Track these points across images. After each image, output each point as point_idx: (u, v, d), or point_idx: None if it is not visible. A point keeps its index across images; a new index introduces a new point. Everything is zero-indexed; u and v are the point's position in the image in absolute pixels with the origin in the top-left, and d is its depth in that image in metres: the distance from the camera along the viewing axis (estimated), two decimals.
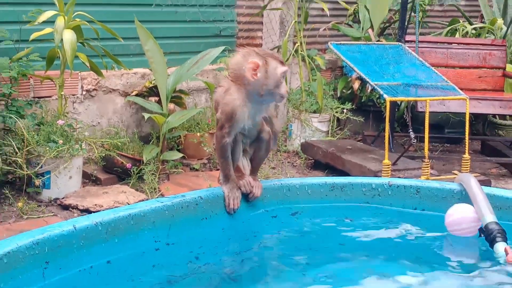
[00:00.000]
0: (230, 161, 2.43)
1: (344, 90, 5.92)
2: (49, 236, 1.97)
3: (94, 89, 4.67)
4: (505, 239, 2.22)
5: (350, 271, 2.23)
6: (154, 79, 4.62)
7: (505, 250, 2.15)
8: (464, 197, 2.55)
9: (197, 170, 4.78)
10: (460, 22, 6.41)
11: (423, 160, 4.35)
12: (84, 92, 4.63)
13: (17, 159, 3.87)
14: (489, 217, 2.32)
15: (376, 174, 4.39)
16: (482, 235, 2.29)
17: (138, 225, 2.22)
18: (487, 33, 6.28)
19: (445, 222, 2.41)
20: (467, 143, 4.45)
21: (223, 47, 4.69)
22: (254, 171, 2.57)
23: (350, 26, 6.18)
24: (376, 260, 2.34)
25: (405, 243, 2.46)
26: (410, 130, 4.55)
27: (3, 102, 4.08)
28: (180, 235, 2.31)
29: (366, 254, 2.37)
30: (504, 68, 5.72)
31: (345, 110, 5.50)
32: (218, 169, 4.79)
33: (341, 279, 2.15)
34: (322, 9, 5.55)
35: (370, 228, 2.58)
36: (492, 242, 2.23)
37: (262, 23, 5.77)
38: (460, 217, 2.40)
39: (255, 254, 2.35)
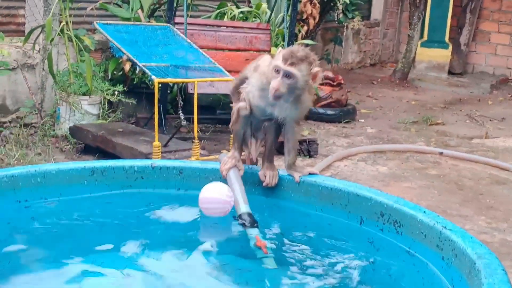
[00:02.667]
0: (238, 134, 2.48)
1: (115, 72, 5.73)
2: None
3: None
4: (257, 227, 2.29)
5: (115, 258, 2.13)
6: None
7: (256, 237, 2.21)
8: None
9: None
10: (228, 5, 6.54)
11: (193, 141, 4.36)
12: None
13: None
14: (243, 207, 2.35)
15: (147, 156, 4.31)
16: (239, 220, 2.33)
17: None
18: (254, 17, 6.48)
19: (199, 198, 2.40)
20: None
21: None
22: (267, 159, 2.51)
23: (120, 6, 6.00)
24: (145, 240, 2.25)
25: (163, 226, 2.41)
26: (180, 111, 4.53)
27: None
28: None
29: (120, 239, 2.27)
30: (269, 51, 5.95)
31: (116, 93, 5.33)
32: None
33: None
34: None
35: (129, 212, 2.48)
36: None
37: (24, 0, 5.36)
38: (211, 197, 2.40)
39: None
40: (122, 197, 2.59)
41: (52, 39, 5.06)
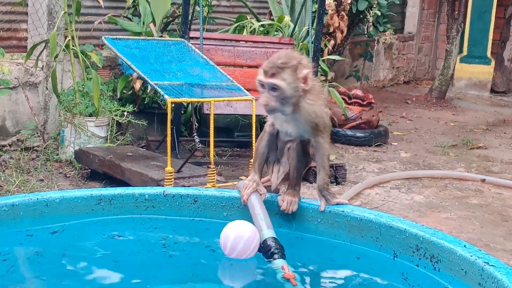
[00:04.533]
0: (260, 153, 2.51)
1: (124, 91, 5.80)
2: None
3: None
4: (283, 256, 2.27)
5: None
6: None
7: (282, 268, 2.21)
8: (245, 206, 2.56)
9: None
10: (247, 18, 6.60)
11: (209, 166, 4.39)
12: None
13: None
14: (266, 233, 2.35)
15: (159, 183, 4.34)
16: (260, 252, 2.32)
17: None
18: (276, 31, 6.54)
19: (221, 245, 2.35)
20: (254, 147, 4.56)
21: None
22: (289, 185, 2.53)
23: (130, 19, 6.09)
24: (154, 278, 2.26)
25: (180, 258, 2.42)
26: (195, 134, 4.56)
27: None
28: None
29: (138, 272, 2.28)
30: None
31: (125, 113, 5.39)
32: None
33: None
34: (97, 0, 5.38)
35: (143, 243, 2.50)
36: (270, 258, 2.27)
37: (27, 13, 5.46)
38: (236, 241, 2.32)
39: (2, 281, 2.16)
40: (132, 228, 2.61)
41: (57, 56, 5.14)
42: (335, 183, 5.18)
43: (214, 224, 2.59)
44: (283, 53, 2.34)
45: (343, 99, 6.58)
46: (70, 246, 2.47)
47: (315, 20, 5.92)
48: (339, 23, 6.78)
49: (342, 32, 6.86)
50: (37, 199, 2.46)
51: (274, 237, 2.33)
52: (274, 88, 2.27)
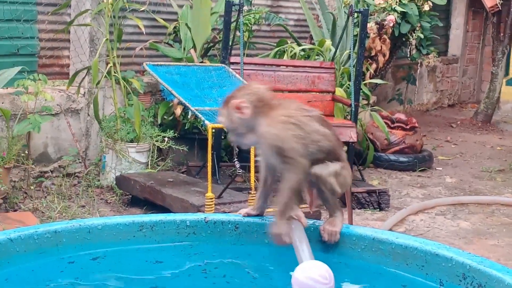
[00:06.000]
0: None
1: (165, 117, 5.87)
2: None
3: None
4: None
5: None
6: None
7: None
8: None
9: None
10: (288, 43, 6.64)
11: (250, 192, 4.40)
12: None
13: None
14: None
15: (199, 209, 4.36)
16: None
17: None
18: (317, 55, 6.56)
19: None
20: None
21: (18, 68, 4.47)
22: (329, 213, 2.60)
23: (171, 45, 6.17)
24: None
25: (220, 283, 2.43)
26: (235, 159, 4.58)
27: None
28: None
29: None
30: (333, 92, 5.99)
31: (166, 139, 5.45)
32: (16, 210, 4.56)
33: None
34: (139, 27, 5.48)
35: (184, 268, 2.52)
36: None
37: (69, 40, 5.58)
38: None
39: None
40: (172, 254, 2.62)
41: (99, 82, 5.23)
42: (378, 209, 5.14)
43: (255, 250, 2.60)
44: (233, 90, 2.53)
45: (386, 123, 6.56)
46: (111, 272, 2.50)
47: (357, 44, 5.93)
48: (381, 46, 6.77)
49: (384, 55, 6.85)
50: (80, 225, 2.50)
51: None
52: (225, 126, 2.49)
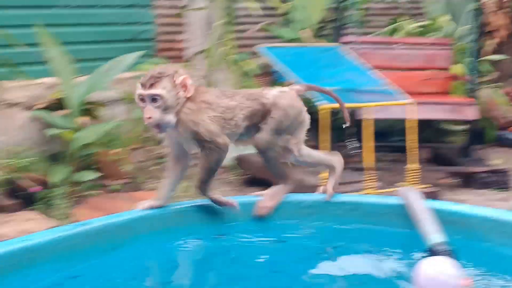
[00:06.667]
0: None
1: None
2: None
3: None
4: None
5: None
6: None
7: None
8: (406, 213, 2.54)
9: (117, 191, 4.67)
10: (402, 20, 6.52)
11: (366, 172, 4.38)
12: None
13: None
14: (435, 237, 2.30)
15: (315, 189, 4.38)
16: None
17: (36, 258, 2.12)
18: (432, 31, 6.41)
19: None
20: (413, 152, 4.51)
21: (139, 52, 4.62)
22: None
23: (283, 26, 6.20)
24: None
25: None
26: (351, 139, 4.57)
27: None
28: (87, 266, 2.23)
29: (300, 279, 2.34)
30: (449, 69, 5.84)
31: None
32: (140, 190, 4.74)
33: None
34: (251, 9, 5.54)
35: (306, 248, 2.55)
36: None
37: (184, 24, 5.71)
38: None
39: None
40: (294, 234, 2.66)
41: (214, 65, 5.33)
42: (499, 189, 4.99)
43: (375, 232, 2.60)
44: (157, 67, 2.31)
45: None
46: (234, 250, 2.56)
47: (475, 19, 5.74)
48: (501, 20, 6.53)
49: (505, 29, 6.60)
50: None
51: (443, 242, 2.28)
52: (155, 98, 2.21)
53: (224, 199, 2.48)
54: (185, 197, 4.58)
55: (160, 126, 2.27)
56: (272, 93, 2.42)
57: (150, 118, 2.22)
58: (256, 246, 2.61)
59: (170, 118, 2.26)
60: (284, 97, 2.43)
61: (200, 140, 2.31)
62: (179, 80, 2.24)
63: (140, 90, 2.22)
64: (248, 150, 5.14)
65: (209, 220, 2.58)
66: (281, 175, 2.57)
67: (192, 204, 2.58)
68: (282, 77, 5.32)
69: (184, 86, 2.26)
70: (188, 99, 2.29)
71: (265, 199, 2.58)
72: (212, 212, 2.56)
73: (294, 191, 4.42)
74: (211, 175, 2.42)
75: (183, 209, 2.55)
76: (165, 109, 2.24)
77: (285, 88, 2.45)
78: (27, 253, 2.13)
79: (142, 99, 2.22)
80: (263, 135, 2.42)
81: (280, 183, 2.59)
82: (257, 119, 2.40)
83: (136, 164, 4.96)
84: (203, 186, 2.44)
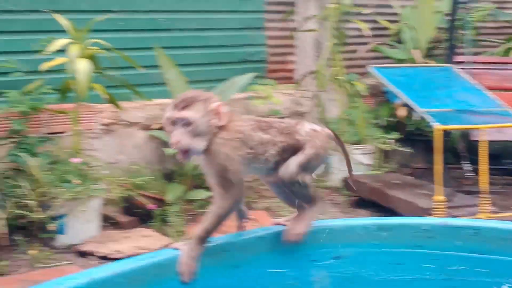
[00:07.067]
0: None
1: (388, 118, 5.88)
2: None
3: (112, 123, 4.71)
4: None
5: None
6: None
7: None
8: None
9: None
10: None
11: (481, 195, 4.28)
12: (101, 127, 4.67)
13: (29, 201, 3.90)
14: None
15: (427, 212, 4.32)
16: None
17: (164, 274, 2.20)
18: None
19: None
20: None
21: (252, 74, 4.71)
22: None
23: (393, 47, 6.17)
24: None
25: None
26: (465, 161, 4.48)
27: (13, 139, 4.13)
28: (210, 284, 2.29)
29: None
30: None
31: (390, 141, 5.46)
32: (250, 209, 4.81)
33: None
34: (361, 29, 5.55)
35: (425, 274, 2.52)
36: None
37: (295, 46, 5.79)
38: None
39: None
40: (409, 257, 2.64)
41: (324, 85, 5.37)
42: None
43: (495, 260, 2.54)
44: (190, 91, 2.18)
45: None
46: (351, 271, 2.57)
47: None
48: None
49: None
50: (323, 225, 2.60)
51: None
52: (186, 122, 2.08)
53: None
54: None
55: (187, 152, 2.12)
56: (305, 130, 2.29)
57: (178, 142, 2.07)
58: (372, 267, 2.61)
59: (200, 144, 2.11)
60: (319, 137, 2.29)
61: (223, 177, 2.18)
62: (212, 106, 2.10)
63: (171, 112, 2.08)
64: (356, 171, 5.13)
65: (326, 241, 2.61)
66: (308, 200, 2.39)
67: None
68: (394, 97, 5.30)
69: (217, 113, 2.12)
70: (221, 127, 2.14)
71: (294, 225, 2.42)
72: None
73: (406, 214, 4.39)
74: (219, 225, 2.22)
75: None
76: (196, 134, 2.10)
77: (317, 127, 2.30)
78: (154, 269, 2.21)
79: (172, 122, 2.09)
80: (290, 169, 2.26)
81: (307, 207, 2.40)
82: (287, 154, 2.26)
83: (246, 183, 5.04)
84: (206, 236, 2.23)
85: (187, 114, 2.08)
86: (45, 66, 4.04)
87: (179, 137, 2.08)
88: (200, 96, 2.10)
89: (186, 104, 2.09)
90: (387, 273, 2.58)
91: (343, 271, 2.56)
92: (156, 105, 4.90)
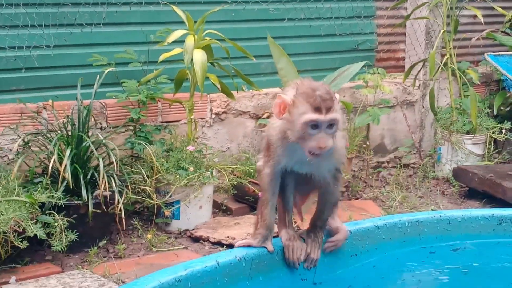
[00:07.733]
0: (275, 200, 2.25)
1: (502, 107, 5.73)
2: (191, 273, 2.03)
3: (223, 112, 4.80)
4: None
5: None
6: None
7: None
8: None
9: None
10: None
11: None
12: (213, 116, 4.77)
13: (146, 187, 4.03)
14: None
15: None
16: None
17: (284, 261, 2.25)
18: None
19: None
20: None
21: (362, 63, 4.67)
22: (311, 227, 2.33)
23: (508, 34, 5.97)
24: None
25: None
26: None
27: (131, 128, 4.28)
28: (328, 274, 2.32)
29: None
30: None
31: (503, 130, 5.31)
32: (357, 199, 4.81)
33: None
34: (474, 16, 5.40)
35: None
36: None
37: (405, 34, 5.71)
38: None
39: None
40: None
41: (435, 74, 5.27)
42: None
43: None
44: (316, 84, 2.03)
45: None
46: (471, 265, 2.53)
47: None
48: None
49: None
50: (440, 216, 2.58)
51: None
52: (331, 124, 1.99)
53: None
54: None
55: (321, 153, 2.02)
56: None
57: (326, 146, 1.98)
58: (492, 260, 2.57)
59: (333, 142, 2.03)
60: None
61: (337, 169, 2.21)
62: (339, 101, 2.07)
63: (315, 116, 1.97)
64: (466, 162, 5.01)
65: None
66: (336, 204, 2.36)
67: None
68: (511, 86, 5.15)
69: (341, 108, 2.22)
70: None
71: (337, 223, 2.40)
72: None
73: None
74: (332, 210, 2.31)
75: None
76: (334, 134, 2.04)
77: None
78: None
79: (314, 126, 1.99)
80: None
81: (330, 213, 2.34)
82: None
83: (352, 173, 5.03)
84: (325, 223, 2.32)
85: (334, 115, 2.00)
86: (163, 56, 4.15)
87: (328, 141, 1.99)
88: (330, 92, 2.03)
89: (330, 105, 1.99)
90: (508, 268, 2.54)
91: (463, 264, 2.54)
92: (266, 94, 4.96)
